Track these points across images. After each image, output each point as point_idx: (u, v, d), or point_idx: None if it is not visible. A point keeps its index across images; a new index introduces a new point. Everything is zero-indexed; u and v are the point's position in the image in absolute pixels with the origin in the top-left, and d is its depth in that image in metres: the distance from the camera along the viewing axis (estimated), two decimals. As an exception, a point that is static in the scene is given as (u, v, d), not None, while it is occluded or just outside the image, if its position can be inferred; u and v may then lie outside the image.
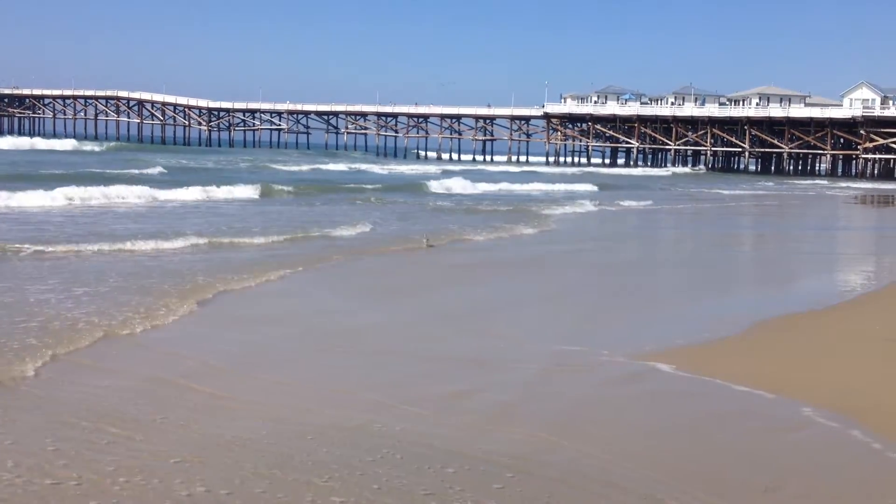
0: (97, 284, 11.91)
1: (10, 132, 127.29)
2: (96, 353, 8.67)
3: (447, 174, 52.41)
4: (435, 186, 41.83)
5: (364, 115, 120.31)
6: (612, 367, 8.96)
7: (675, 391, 8.27)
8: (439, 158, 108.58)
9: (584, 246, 21.56)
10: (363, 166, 68.25)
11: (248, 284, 12.82)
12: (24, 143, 76.87)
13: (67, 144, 79.27)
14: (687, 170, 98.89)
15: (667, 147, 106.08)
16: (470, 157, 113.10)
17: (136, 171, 43.81)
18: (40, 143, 78.79)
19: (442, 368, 8.82)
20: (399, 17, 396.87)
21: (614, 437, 6.84)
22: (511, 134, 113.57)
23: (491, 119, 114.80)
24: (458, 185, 42.32)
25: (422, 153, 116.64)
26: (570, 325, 11.27)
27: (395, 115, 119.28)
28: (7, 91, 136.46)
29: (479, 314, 11.74)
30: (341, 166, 66.75)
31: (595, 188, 49.39)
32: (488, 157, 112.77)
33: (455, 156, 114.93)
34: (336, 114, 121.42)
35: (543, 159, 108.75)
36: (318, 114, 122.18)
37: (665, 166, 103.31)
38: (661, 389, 8.27)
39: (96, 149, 78.09)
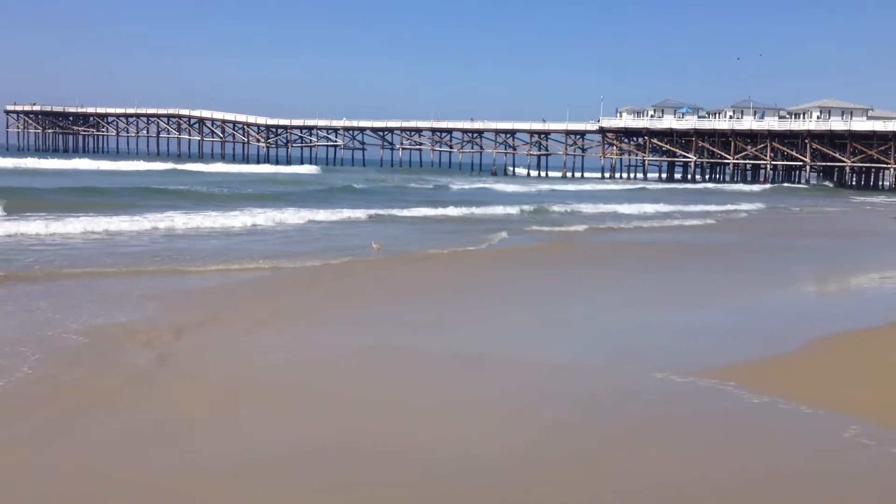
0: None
1: (76, 150, 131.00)
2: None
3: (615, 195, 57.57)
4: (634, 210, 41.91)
5: (419, 130, 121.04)
6: (667, 384, 8.87)
7: (732, 410, 8.15)
8: (542, 176, 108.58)
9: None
10: (491, 185, 67.30)
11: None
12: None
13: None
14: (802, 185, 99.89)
15: (725, 161, 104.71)
16: (524, 171, 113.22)
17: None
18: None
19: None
20: (449, 35, 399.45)
21: (671, 456, 6.77)
22: (566, 149, 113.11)
23: (546, 134, 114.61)
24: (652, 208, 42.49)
25: (519, 171, 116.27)
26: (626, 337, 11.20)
27: (449, 131, 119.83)
28: (72, 109, 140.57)
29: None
30: (470, 186, 65.97)
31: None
32: (543, 173, 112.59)
33: (511, 170, 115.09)
34: (391, 130, 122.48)
35: (598, 175, 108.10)
36: (374, 130, 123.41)
37: (724, 181, 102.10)
38: (717, 408, 8.16)
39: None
